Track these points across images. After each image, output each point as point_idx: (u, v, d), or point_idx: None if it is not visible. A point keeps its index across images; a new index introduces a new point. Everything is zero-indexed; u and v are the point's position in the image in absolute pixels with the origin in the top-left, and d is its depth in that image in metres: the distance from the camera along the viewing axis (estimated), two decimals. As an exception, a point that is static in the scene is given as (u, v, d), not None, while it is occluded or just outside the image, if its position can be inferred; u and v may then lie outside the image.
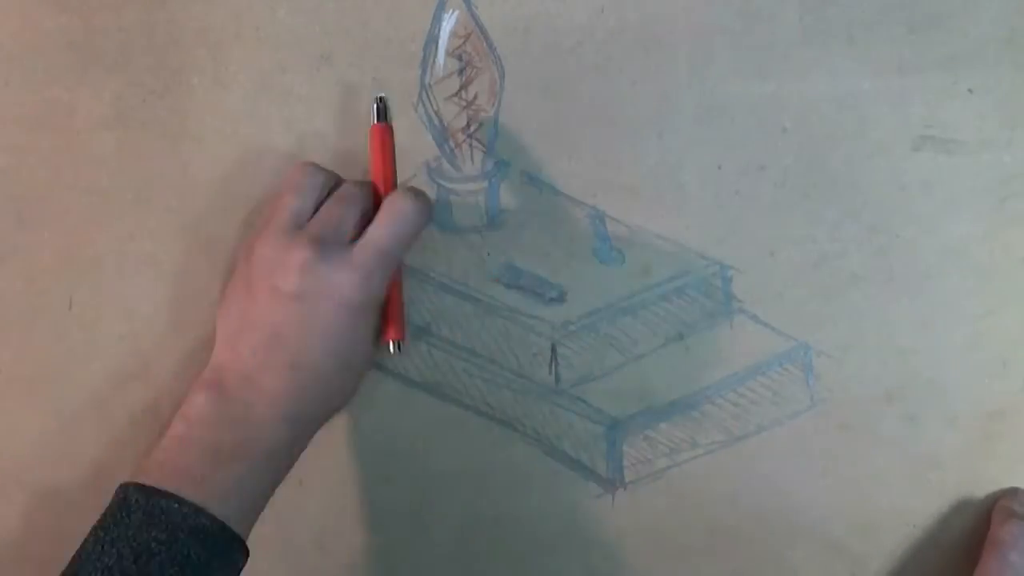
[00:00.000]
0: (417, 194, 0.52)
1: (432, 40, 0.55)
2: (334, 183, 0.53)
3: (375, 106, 0.54)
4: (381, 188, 0.53)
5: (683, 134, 0.55)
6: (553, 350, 0.55)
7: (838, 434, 0.56)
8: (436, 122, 0.55)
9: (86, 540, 0.47)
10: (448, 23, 0.55)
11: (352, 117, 0.55)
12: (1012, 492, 0.55)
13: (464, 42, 0.55)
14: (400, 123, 0.55)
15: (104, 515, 0.48)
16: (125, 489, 0.48)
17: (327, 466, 0.56)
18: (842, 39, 0.55)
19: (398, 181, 0.54)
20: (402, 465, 0.56)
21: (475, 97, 0.55)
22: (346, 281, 0.49)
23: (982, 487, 0.56)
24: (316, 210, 0.52)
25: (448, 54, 0.55)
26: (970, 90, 0.55)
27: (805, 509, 0.56)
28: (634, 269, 0.56)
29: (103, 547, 0.46)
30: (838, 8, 0.54)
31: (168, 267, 0.56)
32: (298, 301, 0.49)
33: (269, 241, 0.50)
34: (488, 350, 0.56)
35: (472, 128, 0.55)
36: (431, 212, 0.53)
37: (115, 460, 0.56)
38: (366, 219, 0.52)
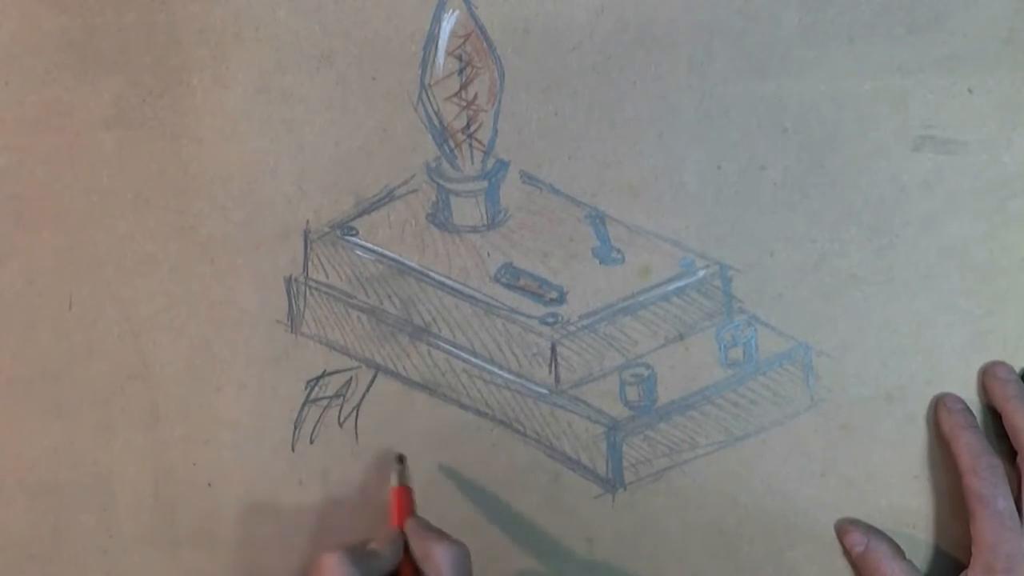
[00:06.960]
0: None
1: (432, 40, 0.55)
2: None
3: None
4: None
5: (683, 134, 0.55)
6: (553, 350, 0.55)
7: (838, 434, 0.56)
8: (436, 122, 0.55)
9: None
10: (448, 23, 0.55)
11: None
12: (971, 425, 0.54)
13: (464, 42, 0.55)
14: (400, 123, 0.55)
15: None
16: None
17: (327, 466, 0.56)
18: (842, 39, 0.55)
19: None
20: (402, 465, 0.56)
21: (475, 97, 0.55)
22: None
23: (982, 487, 0.56)
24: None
25: (448, 54, 0.55)
26: (970, 90, 0.55)
27: (805, 509, 0.56)
28: (634, 269, 0.56)
29: None
30: (838, 8, 0.54)
31: (168, 267, 0.56)
32: None
33: None
34: (488, 350, 0.56)
35: (472, 128, 0.55)
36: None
37: (115, 460, 0.56)
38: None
